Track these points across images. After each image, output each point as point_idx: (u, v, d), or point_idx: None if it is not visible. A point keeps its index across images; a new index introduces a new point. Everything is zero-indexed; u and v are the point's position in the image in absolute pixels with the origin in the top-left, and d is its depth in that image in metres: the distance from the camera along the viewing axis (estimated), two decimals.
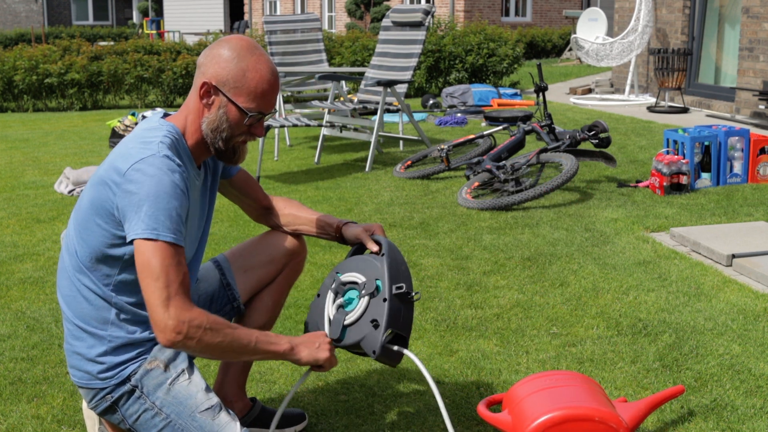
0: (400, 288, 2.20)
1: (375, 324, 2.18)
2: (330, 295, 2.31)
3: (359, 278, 2.27)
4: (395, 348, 2.22)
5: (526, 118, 6.76)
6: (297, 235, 2.50)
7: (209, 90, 2.10)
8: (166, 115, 2.18)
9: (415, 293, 2.25)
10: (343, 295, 2.29)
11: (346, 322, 2.23)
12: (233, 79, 2.09)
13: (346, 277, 2.30)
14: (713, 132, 5.55)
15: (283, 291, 2.51)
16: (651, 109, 9.49)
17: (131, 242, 1.98)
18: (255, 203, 2.49)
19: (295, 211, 2.48)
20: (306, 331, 2.35)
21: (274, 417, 2.31)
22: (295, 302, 3.61)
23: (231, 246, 4.45)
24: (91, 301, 2.11)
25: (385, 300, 2.19)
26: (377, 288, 2.22)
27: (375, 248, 2.34)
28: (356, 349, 2.25)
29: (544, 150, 5.67)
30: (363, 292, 2.23)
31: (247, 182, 2.46)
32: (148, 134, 2.07)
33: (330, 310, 2.29)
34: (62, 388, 2.87)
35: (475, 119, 9.28)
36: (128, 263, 2.07)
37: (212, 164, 2.31)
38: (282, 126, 6.34)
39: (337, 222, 2.45)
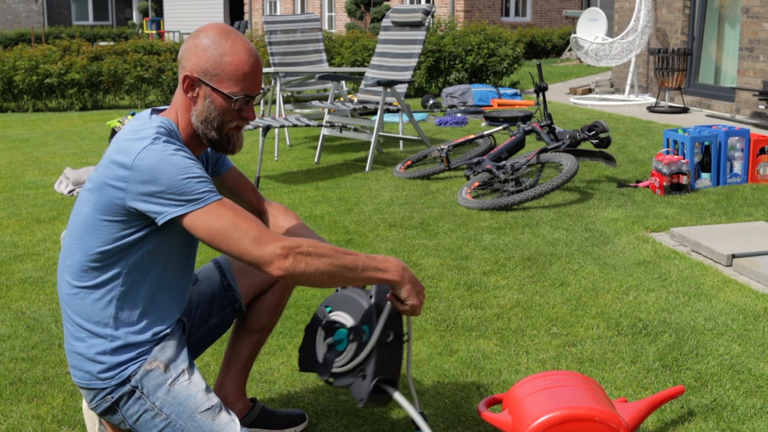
0: (388, 336, 2.17)
1: (362, 374, 2.18)
2: (320, 332, 2.29)
3: (347, 320, 2.22)
4: (382, 393, 2.21)
5: (526, 118, 6.77)
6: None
7: (192, 82, 2.10)
8: (155, 111, 2.18)
9: (405, 336, 2.21)
10: (332, 334, 2.26)
11: (334, 370, 2.22)
12: (212, 67, 2.08)
13: (334, 316, 2.26)
14: (713, 132, 5.55)
15: (286, 292, 2.50)
16: (651, 109, 9.50)
17: (170, 222, 1.98)
18: (247, 206, 2.44)
19: (292, 228, 2.41)
20: (301, 361, 2.33)
21: None
22: (295, 302, 3.61)
23: None
24: (92, 300, 2.11)
25: (372, 350, 2.17)
26: (365, 333, 2.18)
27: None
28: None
29: (544, 150, 5.67)
30: (351, 337, 2.19)
31: (238, 182, 2.42)
32: (141, 129, 2.06)
33: (321, 348, 2.28)
34: (62, 388, 2.87)
35: (475, 119, 9.28)
36: (137, 255, 2.07)
37: (205, 159, 2.31)
38: (282, 126, 6.34)
39: None
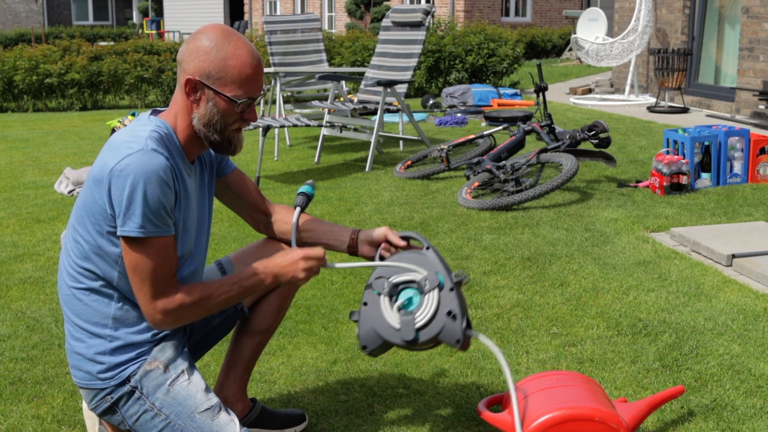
0: (459, 276, 2.20)
1: (452, 315, 2.16)
2: (384, 300, 2.24)
3: (418, 274, 2.22)
4: (471, 333, 2.20)
5: (526, 118, 6.76)
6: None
7: (194, 86, 2.09)
8: (156, 112, 2.18)
9: (466, 278, 2.23)
10: (397, 297, 2.24)
11: (420, 323, 2.19)
12: (216, 70, 2.07)
13: (398, 278, 2.24)
14: (713, 132, 5.55)
15: (289, 294, 2.50)
16: (651, 109, 9.50)
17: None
18: (252, 207, 2.45)
19: (305, 223, 2.43)
20: (369, 348, 2.26)
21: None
22: (295, 302, 3.61)
23: (231, 246, 4.45)
24: (91, 301, 2.11)
25: (452, 290, 2.18)
26: (440, 281, 2.19)
27: (403, 243, 2.34)
28: (426, 345, 2.22)
29: (544, 150, 5.67)
30: (428, 286, 2.19)
31: (243, 182, 2.42)
32: (137, 129, 2.07)
33: (391, 314, 2.23)
34: (62, 388, 2.87)
35: (475, 119, 9.28)
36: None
37: (207, 160, 2.30)
38: (282, 126, 6.34)
39: (351, 230, 2.42)
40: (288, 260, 2.19)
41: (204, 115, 2.10)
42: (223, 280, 2.15)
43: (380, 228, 2.39)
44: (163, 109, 2.21)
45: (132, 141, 2.02)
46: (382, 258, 2.34)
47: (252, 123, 2.24)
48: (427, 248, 2.25)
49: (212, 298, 2.11)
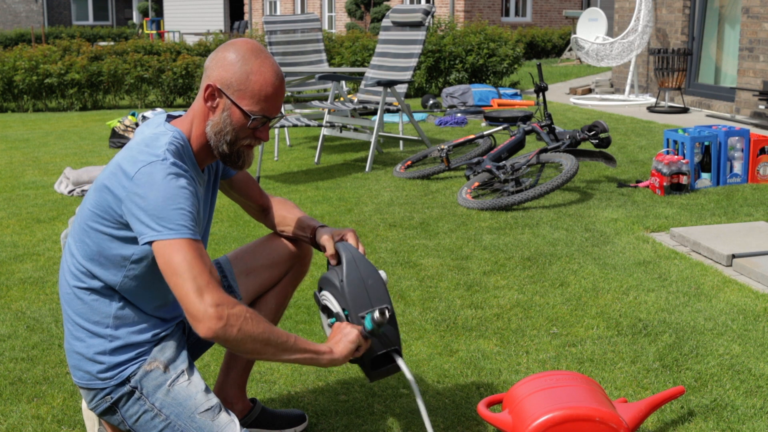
0: (362, 318, 2.17)
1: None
2: (322, 315, 2.31)
3: (332, 305, 2.23)
4: (388, 364, 2.22)
5: (526, 118, 6.76)
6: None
7: (213, 92, 2.09)
8: (170, 117, 2.17)
9: (386, 308, 2.15)
10: (329, 316, 2.27)
11: None
12: (237, 81, 2.07)
13: (324, 299, 2.27)
14: (713, 132, 5.55)
15: (287, 294, 2.50)
16: (651, 109, 9.50)
17: (146, 244, 1.96)
18: (254, 204, 2.48)
19: (284, 212, 2.46)
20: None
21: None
22: (294, 302, 3.61)
23: (231, 246, 4.45)
24: (92, 301, 2.11)
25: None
26: (346, 317, 2.20)
27: (333, 262, 2.30)
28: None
29: (544, 150, 5.67)
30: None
31: (247, 183, 2.44)
32: (154, 140, 2.06)
33: (327, 330, 2.29)
34: (62, 388, 2.87)
35: (475, 119, 9.28)
36: (135, 264, 2.06)
37: (214, 165, 2.30)
38: (282, 126, 6.34)
39: (313, 225, 2.40)
40: (335, 333, 2.15)
41: (217, 123, 2.09)
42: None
43: (325, 235, 2.34)
44: (178, 114, 2.20)
45: (150, 153, 2.01)
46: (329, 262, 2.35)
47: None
48: (341, 281, 2.21)
49: (268, 325, 1.97)
